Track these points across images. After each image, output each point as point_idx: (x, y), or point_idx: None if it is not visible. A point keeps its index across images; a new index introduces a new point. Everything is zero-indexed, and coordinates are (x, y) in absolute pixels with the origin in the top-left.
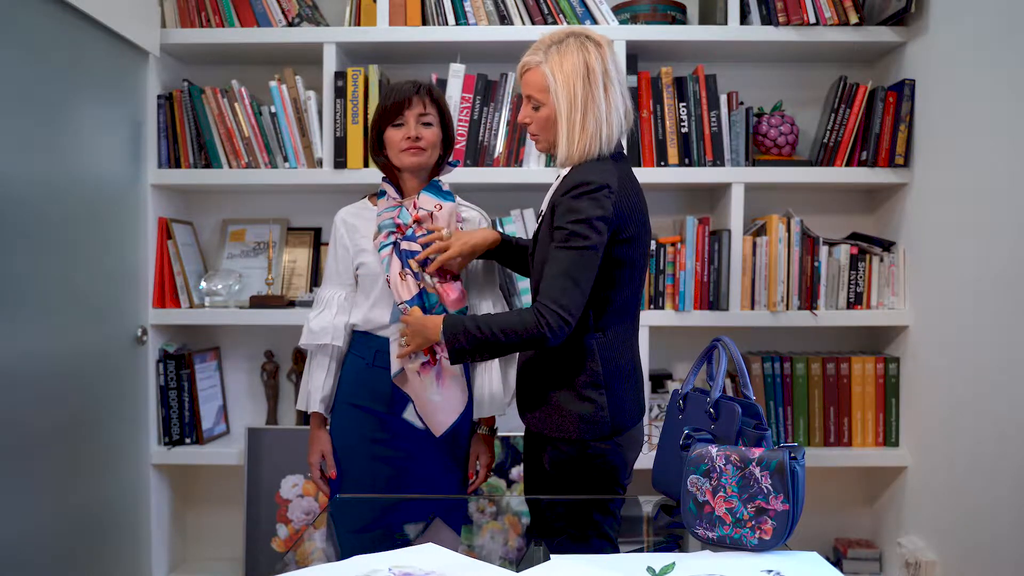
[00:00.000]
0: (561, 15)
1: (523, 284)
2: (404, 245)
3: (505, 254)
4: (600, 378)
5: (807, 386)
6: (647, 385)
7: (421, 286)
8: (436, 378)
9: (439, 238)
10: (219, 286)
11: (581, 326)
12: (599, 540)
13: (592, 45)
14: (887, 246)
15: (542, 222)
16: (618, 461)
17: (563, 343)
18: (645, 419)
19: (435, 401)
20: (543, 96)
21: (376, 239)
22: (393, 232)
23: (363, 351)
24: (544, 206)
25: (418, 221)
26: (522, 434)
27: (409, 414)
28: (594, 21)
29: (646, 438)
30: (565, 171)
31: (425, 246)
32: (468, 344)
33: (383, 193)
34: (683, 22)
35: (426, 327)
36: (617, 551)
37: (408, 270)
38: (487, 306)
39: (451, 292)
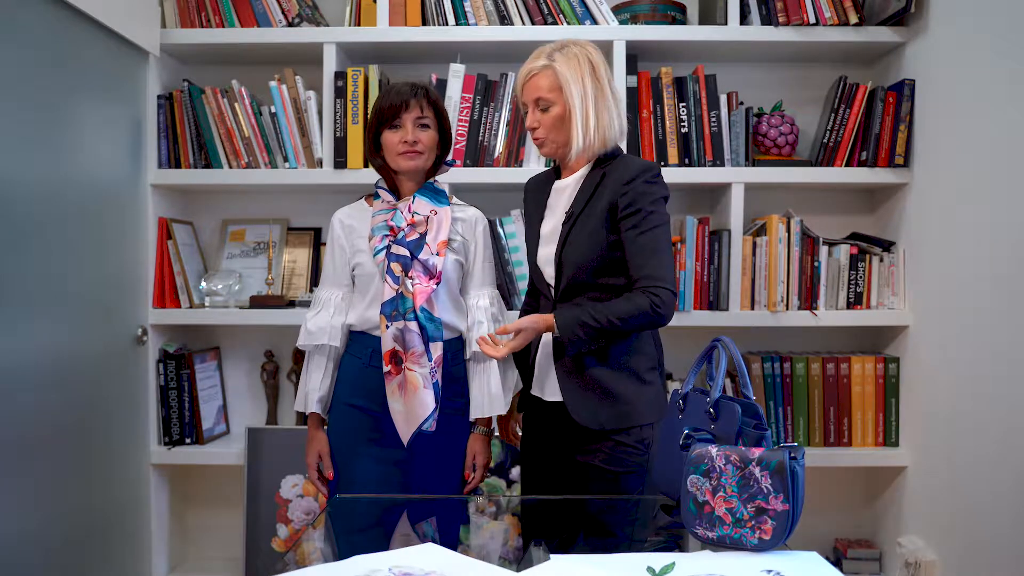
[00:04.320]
0: (561, 15)
1: (521, 284)
2: (394, 249)
3: None
4: (655, 361)
5: (807, 386)
6: None
7: (398, 290)
8: (398, 388)
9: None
10: (219, 286)
11: None
12: (599, 540)
13: (591, 48)
14: (887, 246)
15: (577, 220)
16: None
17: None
18: None
19: (397, 410)
20: (554, 95)
21: (371, 241)
22: (387, 235)
23: (360, 351)
24: (570, 207)
25: (412, 224)
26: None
27: None
28: (594, 21)
29: None
30: (582, 170)
31: (416, 241)
32: (586, 335)
33: (378, 194)
34: (683, 22)
35: (541, 326)
36: (617, 551)
37: (388, 275)
38: (485, 301)
39: (421, 296)
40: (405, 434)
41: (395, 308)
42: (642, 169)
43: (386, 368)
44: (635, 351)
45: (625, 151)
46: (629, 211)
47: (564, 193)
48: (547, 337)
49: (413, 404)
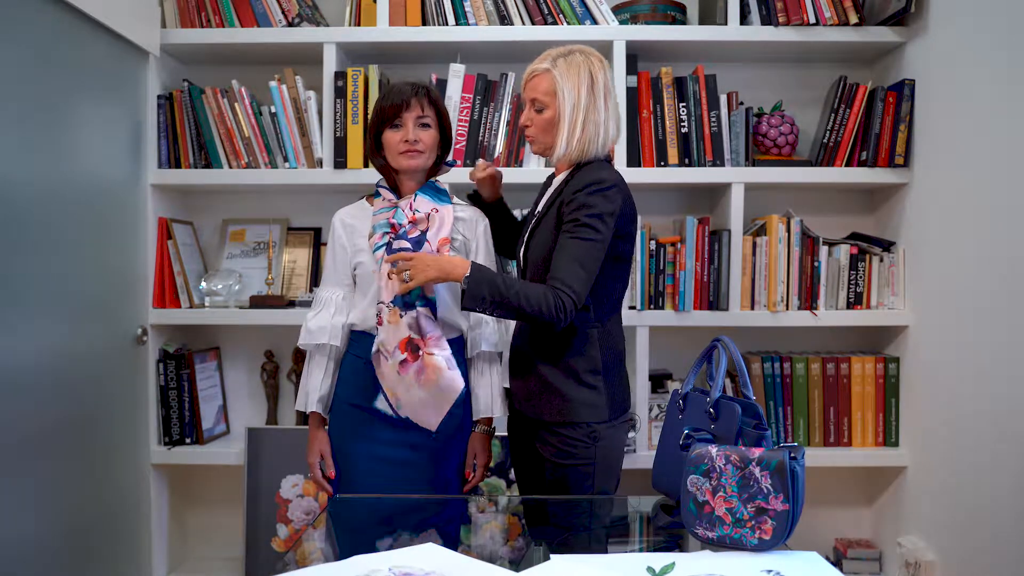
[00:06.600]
0: (561, 15)
1: None
2: (396, 244)
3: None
4: (599, 365)
5: (807, 386)
6: (647, 385)
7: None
8: (416, 375)
9: (407, 258)
10: (219, 286)
11: (583, 316)
12: (599, 540)
13: (596, 60)
14: (887, 246)
15: (541, 221)
16: (618, 444)
17: (566, 331)
18: (645, 419)
19: (416, 399)
20: (548, 99)
21: (371, 239)
22: (387, 232)
23: (361, 351)
24: (540, 208)
25: (414, 222)
26: None
27: (380, 403)
28: (594, 21)
29: (647, 439)
30: (563, 174)
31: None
32: (489, 295)
33: (379, 193)
34: (683, 22)
35: (445, 263)
36: (617, 551)
37: (394, 270)
38: None
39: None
40: (432, 421)
41: (404, 299)
42: (593, 181)
43: (401, 356)
44: (576, 353)
45: (626, 155)
46: (568, 218)
47: (547, 195)
48: (518, 328)
49: (439, 387)
